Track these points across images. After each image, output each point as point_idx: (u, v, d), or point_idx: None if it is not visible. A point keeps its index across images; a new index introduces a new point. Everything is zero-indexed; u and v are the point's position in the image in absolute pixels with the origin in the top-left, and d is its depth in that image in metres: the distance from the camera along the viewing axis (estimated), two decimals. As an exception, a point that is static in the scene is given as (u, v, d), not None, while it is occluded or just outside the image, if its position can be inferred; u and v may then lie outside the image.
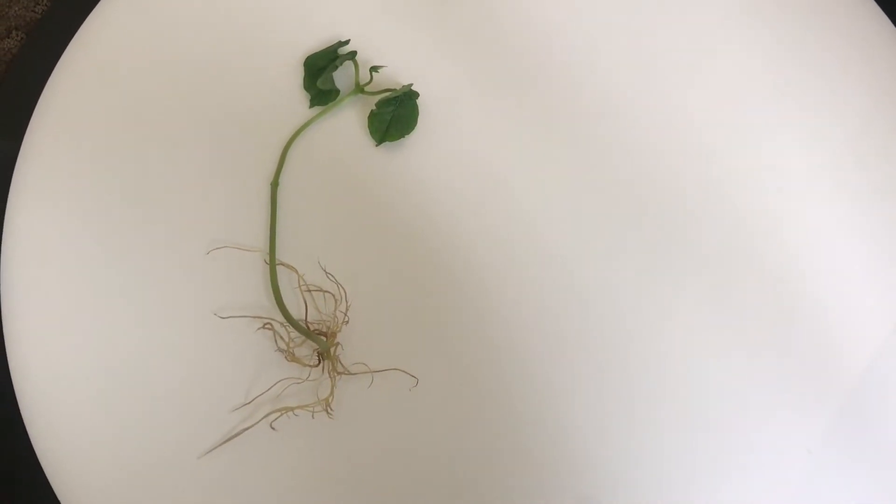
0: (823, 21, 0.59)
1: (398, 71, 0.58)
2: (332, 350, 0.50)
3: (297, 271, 0.53)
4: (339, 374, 0.50)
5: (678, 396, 0.52)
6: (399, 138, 0.56)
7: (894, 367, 0.53)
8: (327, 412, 0.50)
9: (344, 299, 0.52)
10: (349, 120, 0.57)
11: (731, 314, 0.53)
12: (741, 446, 0.51)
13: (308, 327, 0.51)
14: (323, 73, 0.56)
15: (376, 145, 0.56)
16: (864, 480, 0.51)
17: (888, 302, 0.54)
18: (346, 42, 0.58)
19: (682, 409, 0.52)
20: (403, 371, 0.51)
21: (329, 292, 0.52)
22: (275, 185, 0.55)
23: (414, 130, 0.56)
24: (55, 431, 0.51)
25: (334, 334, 0.50)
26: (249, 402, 0.51)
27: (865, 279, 0.55)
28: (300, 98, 0.57)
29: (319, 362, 0.50)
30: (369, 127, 0.56)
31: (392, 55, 0.58)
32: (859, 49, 0.59)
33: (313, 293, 0.52)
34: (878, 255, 0.55)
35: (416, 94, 0.57)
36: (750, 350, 0.53)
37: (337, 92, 0.57)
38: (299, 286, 0.52)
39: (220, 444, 0.50)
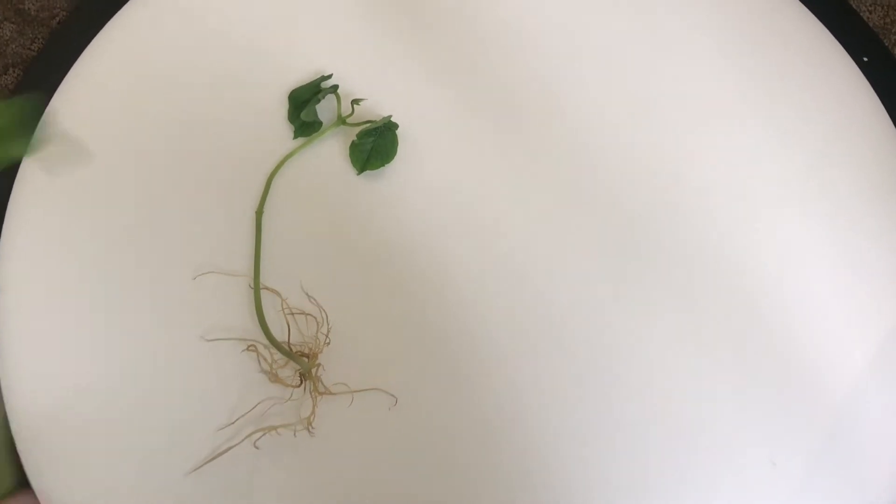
0: (785, 55, 0.63)
1: (378, 103, 0.61)
2: (313, 371, 0.52)
3: (280, 295, 0.55)
4: (320, 393, 0.52)
5: (656, 410, 0.54)
6: (379, 167, 0.58)
7: (871, 379, 0.55)
8: (309, 431, 0.51)
9: (325, 322, 0.54)
10: (332, 150, 0.60)
11: (706, 331, 0.56)
12: (715, 458, 0.53)
13: (291, 349, 0.53)
14: (306, 105, 0.59)
15: (358, 174, 0.59)
16: (829, 493, 0.53)
17: (865, 316, 0.57)
18: (329, 76, 0.61)
19: (659, 424, 0.54)
20: (383, 391, 0.53)
21: (311, 315, 0.54)
22: (260, 212, 0.57)
23: (394, 160, 0.59)
24: (43, 449, 0.52)
25: (316, 355, 0.52)
26: (234, 422, 0.52)
27: (843, 294, 0.57)
28: (285, 130, 0.60)
29: (301, 383, 0.52)
30: (351, 157, 0.59)
31: (372, 88, 0.61)
32: (820, 76, 0.62)
33: (296, 316, 0.54)
34: (857, 268, 0.58)
35: (395, 125, 0.59)
36: (725, 363, 0.55)
37: (320, 124, 0.60)
38: (283, 309, 0.54)
39: (204, 463, 0.52)
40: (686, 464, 0.53)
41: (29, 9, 0.65)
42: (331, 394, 0.52)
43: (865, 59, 0.62)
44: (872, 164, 0.60)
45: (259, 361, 0.53)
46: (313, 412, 0.51)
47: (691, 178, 0.59)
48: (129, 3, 0.65)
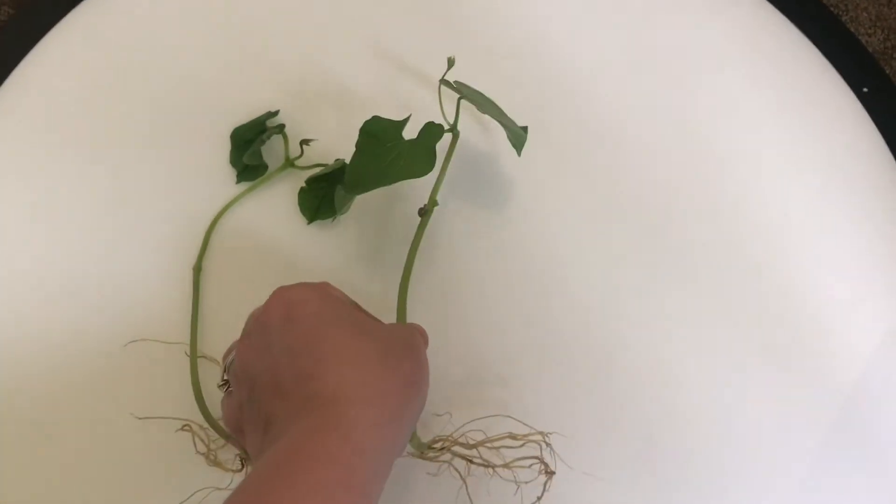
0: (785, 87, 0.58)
1: (330, 144, 0.55)
2: (255, 454, 0.46)
3: (220, 365, 0.49)
4: (263, 479, 0.46)
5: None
6: (332, 217, 0.53)
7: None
8: (251, 523, 0.46)
9: (270, 396, 0.48)
10: (279, 196, 0.54)
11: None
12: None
13: (231, 427, 0.47)
14: (250, 146, 0.53)
15: (308, 224, 0.53)
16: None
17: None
18: (276, 113, 0.55)
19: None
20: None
21: (255, 388, 0.49)
22: (197, 269, 0.51)
23: (349, 208, 0.53)
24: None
25: (259, 436, 0.47)
26: (168, 512, 0.47)
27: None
28: (227, 173, 0.54)
29: (243, 467, 0.47)
30: (300, 204, 0.53)
31: (324, 128, 0.55)
32: (819, 108, 0.57)
33: (238, 388, 0.49)
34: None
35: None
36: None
37: (265, 167, 0.54)
38: (222, 383, 0.49)
39: (136, 560, 0.46)
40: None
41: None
42: (276, 479, 0.47)
43: (865, 89, 0.57)
44: (873, 201, 0.55)
45: (194, 443, 0.47)
46: (255, 502, 0.46)
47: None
48: (61, 23, 0.59)
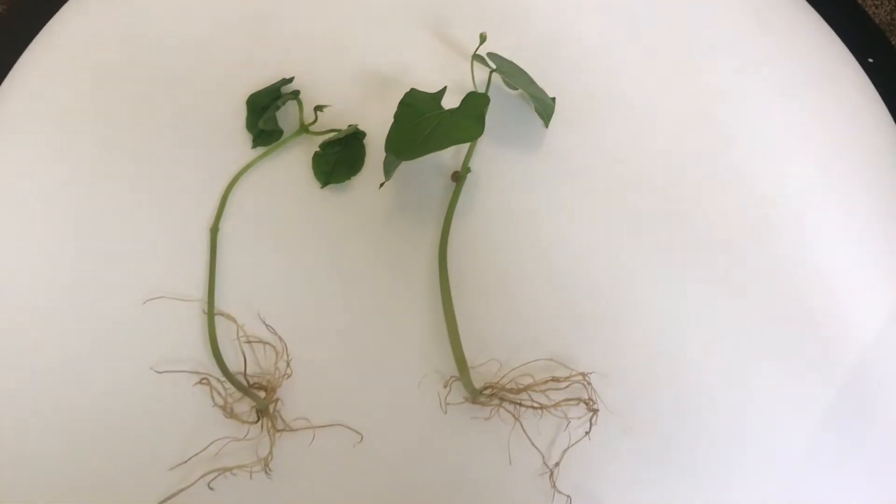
0: (791, 57, 0.58)
1: (344, 110, 0.56)
2: (270, 407, 0.48)
3: (236, 322, 0.51)
4: (278, 431, 0.48)
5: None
6: (345, 180, 0.54)
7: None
8: (266, 472, 0.48)
9: (285, 352, 0.50)
10: (294, 161, 0.55)
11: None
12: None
13: (247, 382, 0.49)
14: (266, 112, 0.54)
15: (321, 187, 0.54)
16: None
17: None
18: (290, 80, 0.56)
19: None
20: (347, 427, 0.49)
21: (270, 344, 0.50)
22: (214, 230, 0.52)
23: (361, 171, 0.54)
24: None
25: (273, 390, 0.48)
26: (186, 462, 0.48)
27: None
28: (243, 138, 0.55)
29: (259, 419, 0.48)
30: (314, 168, 0.54)
31: (337, 94, 0.56)
32: (826, 79, 0.58)
33: (254, 345, 0.50)
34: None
35: (362, 135, 0.55)
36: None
37: (280, 132, 0.55)
38: (238, 338, 0.50)
39: (155, 506, 0.48)
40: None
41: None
42: (290, 430, 0.48)
43: (871, 60, 0.57)
44: (876, 168, 0.56)
45: (212, 396, 0.49)
46: (270, 452, 0.47)
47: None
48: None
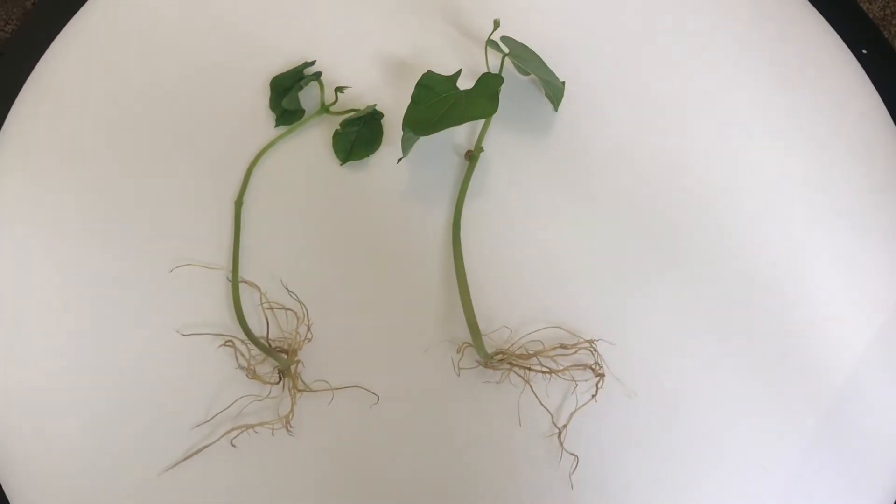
0: (785, 48, 0.61)
1: (363, 91, 0.59)
2: (292, 368, 0.50)
3: (259, 289, 0.53)
4: (299, 391, 0.50)
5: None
6: (363, 157, 0.57)
7: (872, 374, 0.54)
8: (287, 429, 0.50)
9: (306, 317, 0.52)
10: (314, 139, 0.58)
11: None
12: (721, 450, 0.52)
13: (269, 345, 0.51)
14: (288, 93, 0.57)
15: (341, 164, 0.57)
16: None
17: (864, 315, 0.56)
18: (312, 63, 0.59)
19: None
20: (364, 388, 0.51)
21: (291, 310, 0.53)
22: (239, 203, 0.55)
23: (379, 149, 0.57)
24: (13, 447, 0.51)
25: (295, 352, 0.51)
26: (210, 420, 0.51)
27: (841, 293, 0.56)
28: (267, 118, 0.58)
29: (280, 380, 0.51)
30: (334, 146, 0.57)
31: (357, 76, 0.59)
32: (820, 69, 0.61)
33: (276, 311, 0.53)
34: (855, 257, 0.56)
35: (380, 115, 0.57)
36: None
37: (302, 112, 0.58)
38: (261, 304, 0.53)
39: (180, 461, 0.50)
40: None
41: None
42: (310, 391, 0.51)
43: (864, 51, 0.60)
44: (870, 157, 0.59)
45: (236, 357, 0.51)
46: (292, 410, 0.50)
47: (692, 174, 0.58)
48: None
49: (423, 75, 0.53)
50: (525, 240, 0.56)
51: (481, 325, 0.51)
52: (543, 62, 0.57)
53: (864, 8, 0.62)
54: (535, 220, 0.56)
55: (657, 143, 0.58)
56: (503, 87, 0.56)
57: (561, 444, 0.50)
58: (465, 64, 0.60)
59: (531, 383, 0.51)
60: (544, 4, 0.62)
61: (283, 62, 0.59)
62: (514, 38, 0.57)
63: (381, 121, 0.57)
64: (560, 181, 0.57)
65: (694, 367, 0.53)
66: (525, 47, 0.57)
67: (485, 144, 0.57)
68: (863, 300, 0.55)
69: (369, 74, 0.59)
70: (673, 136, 0.59)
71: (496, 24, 0.56)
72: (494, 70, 0.58)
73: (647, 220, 0.56)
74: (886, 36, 0.62)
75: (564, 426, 0.51)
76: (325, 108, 0.57)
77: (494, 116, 0.56)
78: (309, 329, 0.52)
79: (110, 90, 0.59)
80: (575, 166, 0.58)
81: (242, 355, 0.51)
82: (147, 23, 0.61)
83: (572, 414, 0.51)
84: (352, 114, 0.57)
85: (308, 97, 0.58)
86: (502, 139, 0.58)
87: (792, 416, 0.52)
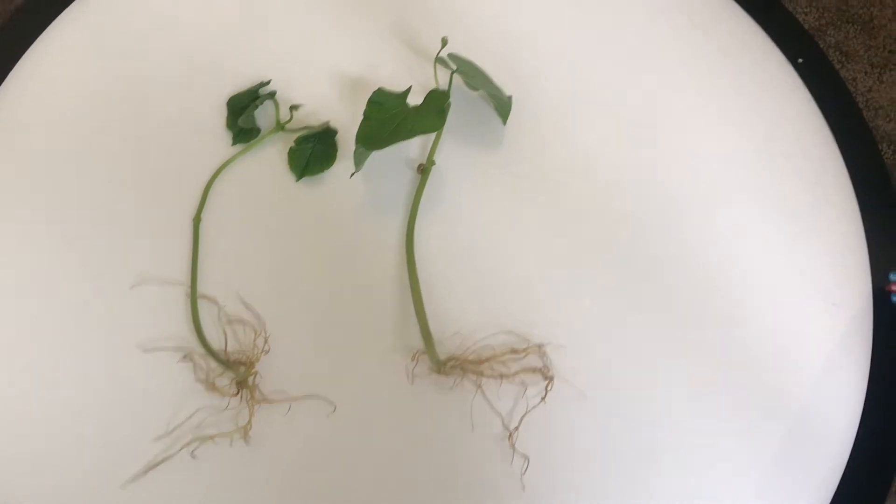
0: (723, 58, 0.64)
1: (318, 109, 0.61)
2: (249, 379, 0.52)
3: (217, 303, 0.54)
4: (257, 402, 0.52)
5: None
6: (318, 173, 0.58)
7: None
8: (245, 440, 0.51)
9: (263, 330, 0.54)
10: (271, 156, 0.59)
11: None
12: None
13: (227, 357, 0.52)
14: (244, 112, 0.59)
15: (297, 180, 0.58)
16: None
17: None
18: (268, 82, 0.60)
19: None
20: (321, 398, 0.53)
21: (249, 323, 0.54)
22: (197, 220, 0.57)
23: (333, 165, 0.59)
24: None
25: (252, 364, 0.52)
26: (170, 432, 0.52)
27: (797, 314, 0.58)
28: (224, 136, 0.60)
29: (238, 391, 0.52)
30: (289, 162, 0.58)
31: (311, 94, 0.61)
32: (757, 78, 0.63)
33: (234, 324, 0.54)
34: (798, 259, 0.58)
35: (334, 131, 0.59)
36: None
37: (258, 130, 0.59)
38: (220, 318, 0.54)
39: (141, 473, 0.51)
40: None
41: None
42: (268, 402, 0.52)
43: (800, 60, 0.63)
44: (808, 163, 0.61)
45: (195, 371, 0.53)
46: (249, 421, 0.51)
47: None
48: (70, 7, 0.65)
49: (375, 92, 0.55)
50: (477, 248, 0.57)
51: (435, 333, 0.53)
52: (489, 78, 0.59)
53: (801, 18, 0.65)
54: (487, 229, 0.58)
55: (603, 154, 0.61)
56: (456, 102, 0.58)
57: (512, 446, 0.52)
58: (418, 80, 0.62)
59: (483, 388, 0.53)
60: (493, 22, 0.64)
61: (241, 82, 0.61)
62: (463, 54, 0.59)
63: (336, 137, 0.59)
64: (510, 192, 0.59)
65: (643, 369, 0.55)
66: (471, 64, 0.59)
67: (438, 157, 0.59)
68: (803, 298, 0.57)
69: (324, 92, 0.61)
70: (618, 145, 0.61)
71: (444, 41, 0.58)
72: (445, 86, 0.60)
73: (595, 227, 0.58)
74: (822, 46, 0.64)
75: (515, 428, 0.52)
76: (280, 126, 0.59)
77: (447, 130, 0.59)
78: (266, 341, 0.54)
79: (70, 111, 0.60)
80: (524, 177, 0.60)
81: (201, 368, 0.53)
82: (105, 46, 0.63)
83: (522, 417, 0.53)
84: (305, 131, 0.58)
85: (264, 116, 0.60)
86: (455, 152, 0.60)
87: (739, 413, 0.54)
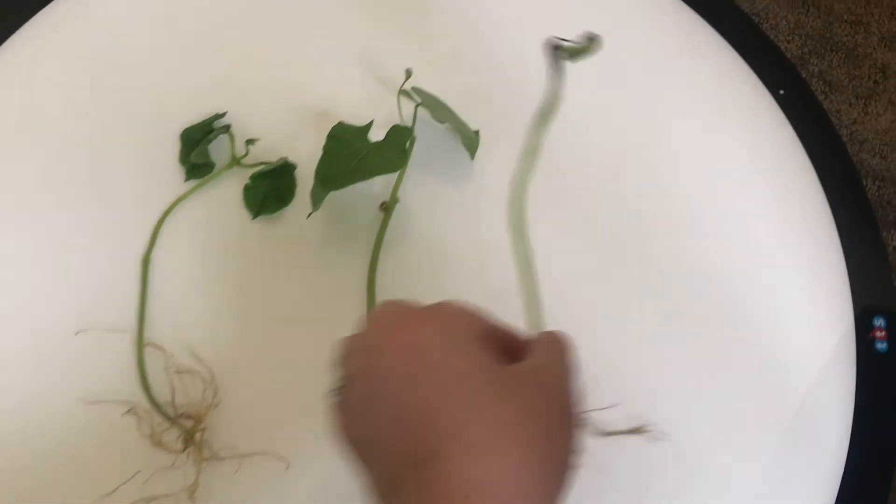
0: (703, 87, 0.61)
1: (277, 143, 0.58)
2: (197, 436, 0.49)
3: (165, 352, 0.51)
4: (205, 459, 0.49)
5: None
6: (275, 212, 0.55)
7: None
8: (192, 501, 0.48)
9: (213, 381, 0.51)
10: (226, 193, 0.56)
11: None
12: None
13: (175, 410, 0.49)
14: (198, 146, 0.56)
15: (253, 219, 0.55)
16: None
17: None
18: (223, 115, 0.57)
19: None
20: (273, 454, 0.50)
21: (199, 374, 0.51)
22: (146, 261, 0.54)
23: (292, 202, 0.56)
24: None
25: (201, 418, 0.49)
26: (113, 491, 0.49)
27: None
28: (177, 171, 0.57)
29: (185, 447, 0.49)
30: (245, 200, 0.56)
31: (268, 128, 0.58)
32: (738, 109, 0.61)
33: (183, 374, 0.51)
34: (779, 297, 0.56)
35: (293, 167, 0.56)
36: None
37: (212, 165, 0.56)
38: (167, 368, 0.51)
39: (83, 536, 0.48)
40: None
41: None
42: (217, 459, 0.49)
43: (781, 91, 0.60)
44: (789, 201, 0.59)
45: (140, 425, 0.50)
46: (196, 481, 0.48)
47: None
48: (19, 31, 0.62)
49: (335, 127, 0.52)
50: (440, 289, 0.55)
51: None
52: (453, 112, 0.57)
53: (783, 46, 0.63)
54: (452, 268, 0.55)
55: (575, 188, 0.58)
56: (423, 133, 0.55)
57: None
58: (381, 115, 0.58)
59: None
60: (459, 54, 0.62)
61: (194, 114, 0.58)
62: (428, 88, 0.56)
63: (295, 172, 0.56)
64: (477, 229, 0.56)
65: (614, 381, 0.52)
66: (435, 98, 0.56)
67: (404, 193, 0.56)
68: (786, 321, 0.55)
69: (282, 126, 0.58)
70: (590, 182, 0.58)
71: (408, 73, 0.55)
72: (409, 119, 0.57)
73: (563, 263, 0.56)
74: (805, 75, 0.62)
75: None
76: (235, 161, 0.56)
77: (412, 163, 0.56)
78: (215, 393, 0.51)
79: (18, 143, 0.57)
80: (492, 214, 0.57)
81: (146, 423, 0.50)
82: (53, 76, 0.59)
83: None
84: (263, 167, 0.55)
85: (220, 150, 0.57)
86: (421, 188, 0.57)
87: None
